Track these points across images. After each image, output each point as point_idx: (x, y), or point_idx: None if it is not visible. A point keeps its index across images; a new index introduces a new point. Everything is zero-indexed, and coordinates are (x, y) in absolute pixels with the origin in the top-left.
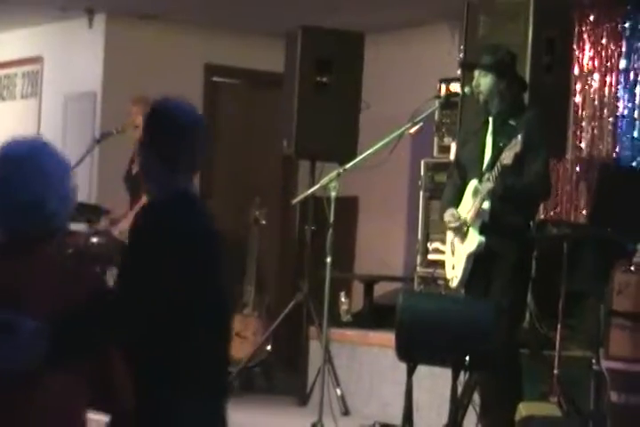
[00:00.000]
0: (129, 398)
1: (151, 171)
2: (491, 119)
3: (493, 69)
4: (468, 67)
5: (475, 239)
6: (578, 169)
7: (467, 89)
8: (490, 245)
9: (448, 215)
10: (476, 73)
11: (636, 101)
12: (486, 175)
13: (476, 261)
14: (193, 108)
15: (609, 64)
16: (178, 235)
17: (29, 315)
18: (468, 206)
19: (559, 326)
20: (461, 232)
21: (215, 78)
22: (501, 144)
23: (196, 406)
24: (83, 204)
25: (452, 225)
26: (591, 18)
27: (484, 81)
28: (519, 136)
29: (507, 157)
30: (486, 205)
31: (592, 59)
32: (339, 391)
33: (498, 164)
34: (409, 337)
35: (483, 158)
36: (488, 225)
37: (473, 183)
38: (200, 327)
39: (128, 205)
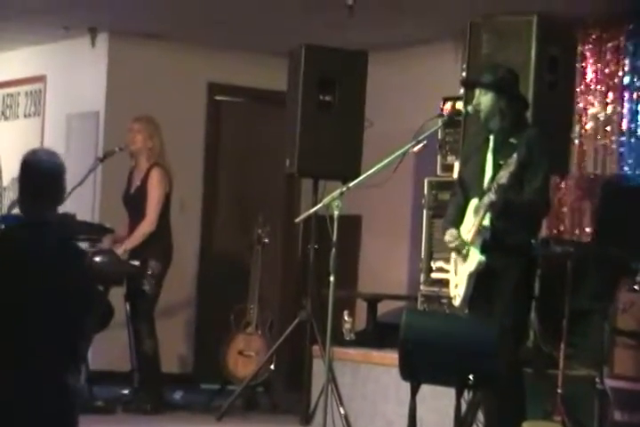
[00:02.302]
0: None
1: (19, 203)
2: (491, 137)
3: (493, 88)
4: (468, 85)
5: (475, 258)
6: (581, 187)
7: (469, 108)
8: (491, 264)
9: (448, 235)
10: (477, 92)
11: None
12: (487, 192)
13: (478, 280)
14: (52, 158)
15: (612, 82)
16: None
17: None
18: (469, 225)
19: (563, 345)
20: (462, 252)
21: (218, 97)
22: (501, 162)
23: None
24: (86, 223)
25: (452, 245)
26: (594, 36)
27: (484, 99)
28: (514, 155)
29: (502, 177)
30: (487, 222)
31: (595, 77)
32: (342, 410)
33: (494, 184)
34: (412, 356)
35: (483, 177)
36: (489, 244)
37: (474, 202)
38: None
39: (128, 225)
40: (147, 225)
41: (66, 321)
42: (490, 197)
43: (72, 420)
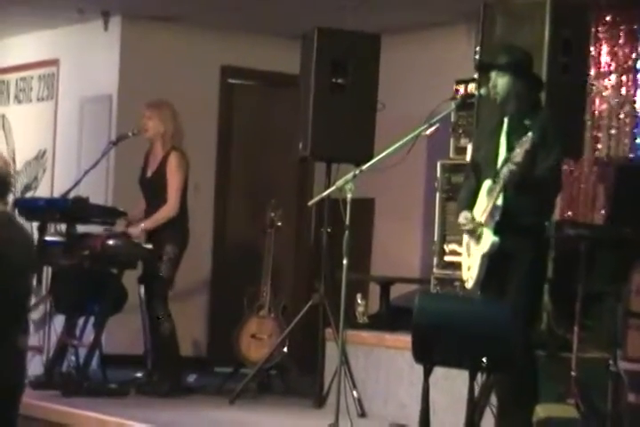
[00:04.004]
0: None
1: None
2: (506, 120)
3: (510, 70)
4: (483, 67)
5: (489, 240)
6: (595, 170)
7: (483, 90)
8: (504, 246)
9: (462, 217)
10: (493, 74)
11: None
12: (502, 169)
13: (491, 262)
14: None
15: (625, 65)
16: None
17: None
18: (482, 207)
19: (576, 328)
20: (475, 235)
21: (231, 80)
22: (515, 144)
23: None
24: (100, 206)
25: (466, 227)
26: (608, 19)
27: (501, 81)
28: (529, 134)
29: (517, 155)
30: (499, 202)
31: (609, 59)
32: (355, 393)
33: (509, 163)
34: (425, 339)
35: (497, 159)
36: (502, 225)
37: (487, 184)
38: None
39: (144, 208)
40: (169, 210)
41: (25, 291)
42: (509, 166)
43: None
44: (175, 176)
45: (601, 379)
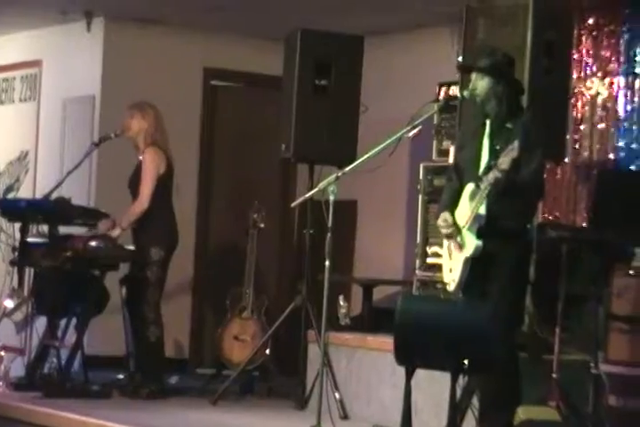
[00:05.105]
0: None
1: None
2: (488, 122)
3: (489, 72)
4: (464, 70)
5: (472, 243)
6: (577, 172)
7: (465, 92)
8: (487, 249)
9: (441, 220)
10: (473, 76)
11: (635, 105)
12: (485, 176)
13: (474, 265)
14: None
15: (608, 67)
16: None
17: None
18: (464, 210)
19: (558, 330)
20: (454, 238)
21: (214, 82)
22: (498, 147)
23: None
24: (82, 207)
25: (444, 231)
26: (590, 21)
27: (480, 84)
28: (516, 142)
29: (504, 163)
30: (483, 209)
31: (591, 62)
32: (337, 395)
33: (495, 170)
34: (407, 341)
35: (479, 162)
36: (485, 229)
37: (470, 187)
38: None
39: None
40: (138, 204)
41: None
42: (495, 173)
43: None
44: (146, 171)
45: (582, 381)
